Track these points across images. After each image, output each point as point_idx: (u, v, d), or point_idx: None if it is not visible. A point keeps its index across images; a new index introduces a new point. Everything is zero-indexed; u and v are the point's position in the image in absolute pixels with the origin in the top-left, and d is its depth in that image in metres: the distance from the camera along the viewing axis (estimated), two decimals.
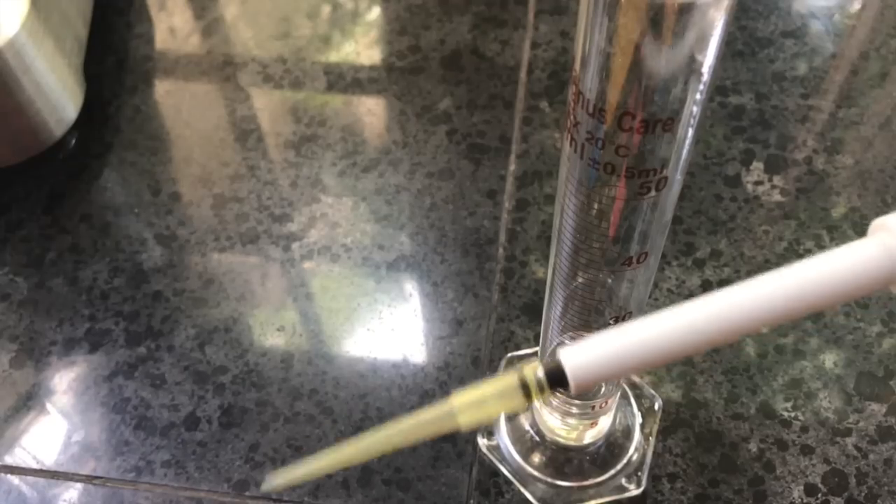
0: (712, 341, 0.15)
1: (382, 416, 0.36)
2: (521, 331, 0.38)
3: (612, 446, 0.34)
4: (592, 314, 0.26)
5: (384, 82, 0.49)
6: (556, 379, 0.16)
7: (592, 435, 0.34)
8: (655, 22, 0.16)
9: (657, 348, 0.16)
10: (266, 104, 0.48)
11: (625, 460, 0.34)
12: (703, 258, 0.40)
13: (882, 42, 0.49)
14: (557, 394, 0.31)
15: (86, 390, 0.38)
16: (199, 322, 0.39)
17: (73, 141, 0.46)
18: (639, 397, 0.35)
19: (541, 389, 0.17)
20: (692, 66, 0.17)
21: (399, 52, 0.50)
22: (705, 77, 0.18)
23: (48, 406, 0.37)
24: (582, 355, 0.16)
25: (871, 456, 0.34)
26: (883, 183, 0.43)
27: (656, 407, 0.35)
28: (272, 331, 0.39)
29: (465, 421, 0.17)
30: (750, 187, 0.43)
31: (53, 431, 0.37)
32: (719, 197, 0.42)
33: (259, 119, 0.47)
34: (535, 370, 0.17)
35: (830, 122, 0.45)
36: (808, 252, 0.40)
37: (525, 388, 0.17)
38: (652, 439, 0.34)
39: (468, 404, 0.17)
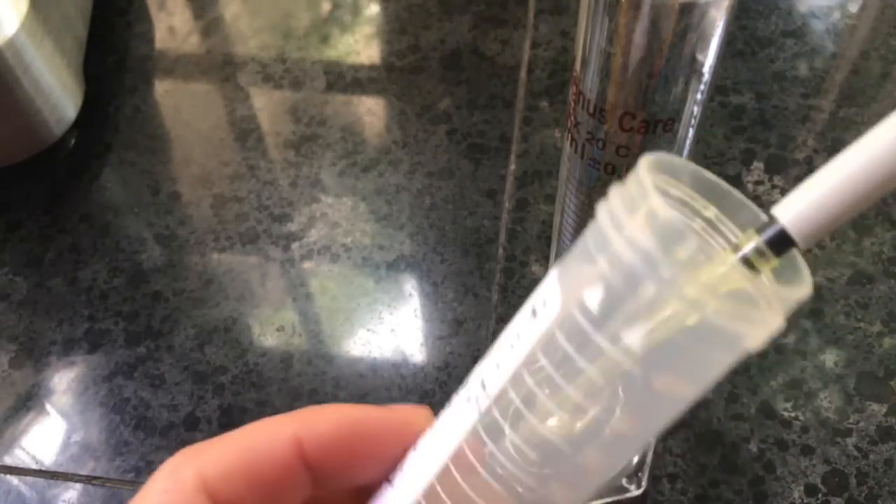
0: None
1: None
2: None
3: None
4: None
5: (384, 82, 0.49)
6: (779, 241, 0.13)
7: None
8: (656, 22, 0.16)
9: (871, 176, 0.13)
10: (266, 104, 0.48)
11: None
12: None
13: (882, 42, 0.49)
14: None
15: (85, 390, 0.38)
16: (198, 322, 0.39)
17: (73, 140, 0.46)
18: None
19: (762, 258, 0.14)
20: (693, 66, 0.17)
21: (399, 51, 0.50)
22: (706, 77, 0.17)
23: (47, 406, 0.37)
24: (796, 207, 0.14)
25: (872, 456, 0.34)
26: None
27: None
28: (272, 331, 0.39)
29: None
30: (750, 187, 0.42)
31: (53, 432, 0.37)
32: None
33: (259, 119, 0.47)
34: (750, 240, 0.14)
35: (831, 121, 0.45)
36: (808, 252, 0.40)
37: (748, 263, 0.14)
38: (652, 440, 0.34)
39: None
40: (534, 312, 0.14)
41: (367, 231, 0.42)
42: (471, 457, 0.15)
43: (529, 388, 0.14)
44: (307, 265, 0.41)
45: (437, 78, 0.48)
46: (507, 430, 0.15)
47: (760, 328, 0.13)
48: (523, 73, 0.48)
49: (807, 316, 0.38)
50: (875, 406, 0.35)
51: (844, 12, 0.50)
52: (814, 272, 0.39)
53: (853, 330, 0.37)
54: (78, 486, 0.35)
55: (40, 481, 0.35)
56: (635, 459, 0.34)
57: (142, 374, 0.38)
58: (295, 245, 0.42)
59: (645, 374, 0.13)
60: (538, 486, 0.15)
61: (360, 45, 0.51)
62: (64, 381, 0.38)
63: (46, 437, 0.36)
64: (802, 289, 0.13)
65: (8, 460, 0.36)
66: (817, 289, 0.39)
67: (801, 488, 0.33)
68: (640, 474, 0.33)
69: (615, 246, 0.13)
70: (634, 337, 0.13)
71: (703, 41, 0.17)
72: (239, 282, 0.41)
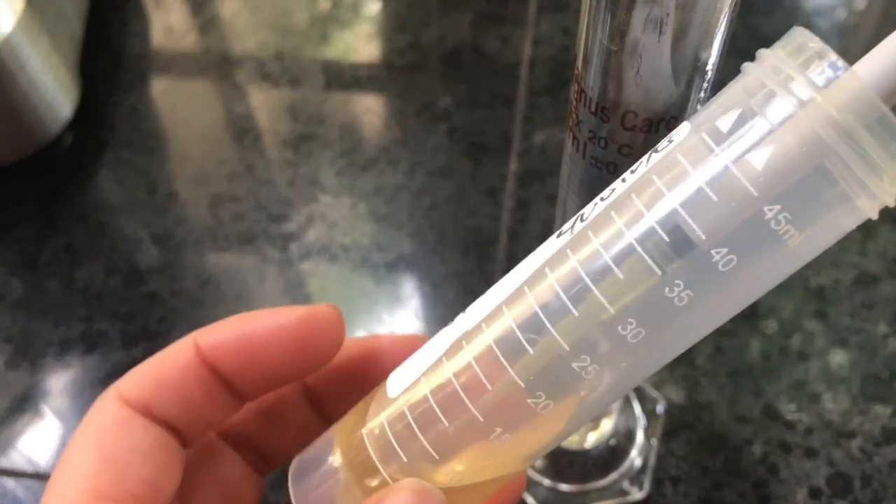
0: None
1: None
2: None
3: (615, 449, 0.34)
4: None
5: (383, 80, 0.48)
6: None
7: (594, 437, 0.33)
8: (659, 19, 0.16)
9: None
10: (264, 102, 0.48)
11: (627, 464, 0.33)
12: None
13: None
14: None
15: (81, 392, 0.37)
16: (196, 323, 0.39)
17: (69, 140, 0.46)
18: (641, 400, 0.35)
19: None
20: (696, 64, 0.17)
21: (398, 49, 0.50)
22: (709, 75, 0.17)
23: (43, 408, 0.37)
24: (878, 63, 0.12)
25: (876, 458, 0.34)
26: None
27: (659, 409, 0.35)
28: None
29: None
30: None
31: (49, 434, 0.36)
32: None
33: (256, 117, 0.47)
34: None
35: None
36: None
37: None
38: (655, 442, 0.34)
39: None
40: (656, 150, 0.13)
41: (366, 231, 0.42)
42: (550, 277, 0.13)
43: (636, 206, 0.13)
44: (305, 265, 0.41)
45: (437, 76, 0.48)
46: (602, 250, 0.13)
47: (878, 190, 0.12)
48: (524, 71, 0.48)
49: (811, 317, 0.37)
50: (880, 408, 0.35)
51: (849, 10, 0.50)
52: (818, 273, 0.39)
53: (858, 331, 0.37)
54: None
55: (36, 484, 0.35)
56: (637, 461, 0.33)
57: None
58: (293, 245, 0.41)
59: (761, 200, 0.12)
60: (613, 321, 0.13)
61: (360, 43, 0.51)
62: (60, 382, 0.38)
63: (42, 440, 0.36)
64: None
65: (3, 463, 0.35)
66: (821, 290, 0.38)
67: (805, 491, 0.33)
68: (642, 477, 0.33)
69: (767, 83, 0.12)
70: (760, 157, 0.12)
71: (707, 39, 0.16)
72: (236, 282, 0.40)
